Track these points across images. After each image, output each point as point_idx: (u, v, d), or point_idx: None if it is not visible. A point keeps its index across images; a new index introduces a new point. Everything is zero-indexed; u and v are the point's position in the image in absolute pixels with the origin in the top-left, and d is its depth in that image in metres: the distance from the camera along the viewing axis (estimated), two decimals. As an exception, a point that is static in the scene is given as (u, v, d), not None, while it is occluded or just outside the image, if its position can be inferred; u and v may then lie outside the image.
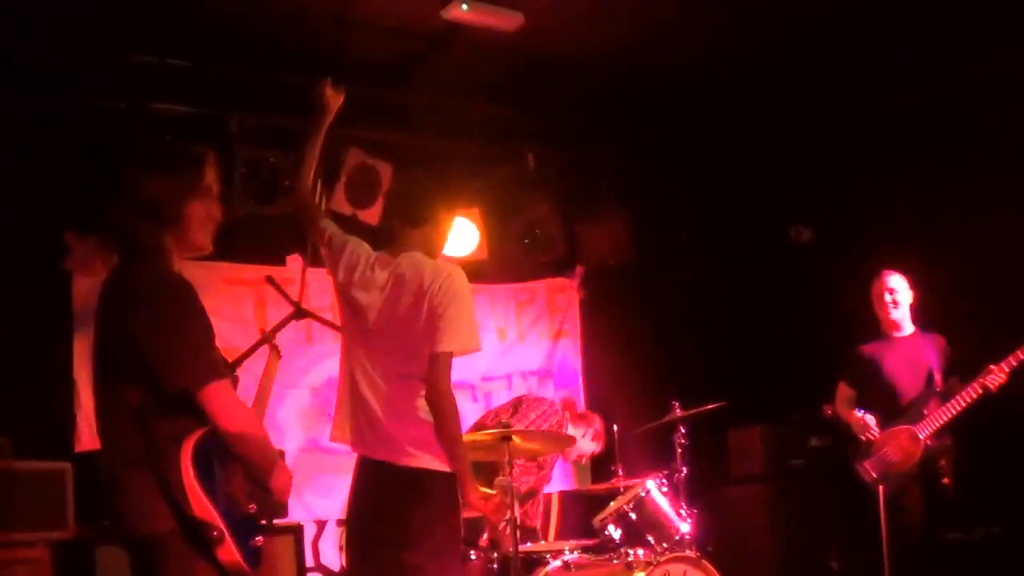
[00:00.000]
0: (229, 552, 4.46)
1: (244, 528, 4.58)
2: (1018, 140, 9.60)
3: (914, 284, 9.03)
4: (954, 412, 8.47)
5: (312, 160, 6.52)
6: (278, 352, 7.27)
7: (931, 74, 9.98)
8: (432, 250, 6.11)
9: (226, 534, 4.44)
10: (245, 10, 8.40)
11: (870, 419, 8.71)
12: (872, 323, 9.09)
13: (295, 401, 9.57)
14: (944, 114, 10.11)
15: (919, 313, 9.04)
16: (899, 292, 8.95)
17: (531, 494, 9.14)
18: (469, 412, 9.98)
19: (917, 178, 10.24)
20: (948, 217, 9.91)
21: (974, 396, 8.41)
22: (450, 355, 5.79)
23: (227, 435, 4.54)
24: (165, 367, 4.42)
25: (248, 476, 4.71)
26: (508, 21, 8.72)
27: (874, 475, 8.62)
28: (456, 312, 5.80)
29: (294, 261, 9.74)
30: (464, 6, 8.38)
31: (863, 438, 8.73)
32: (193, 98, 9.05)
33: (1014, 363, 8.34)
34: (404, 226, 6.15)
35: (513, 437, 7.53)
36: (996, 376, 8.32)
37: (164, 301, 4.50)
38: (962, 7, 8.97)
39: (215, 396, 4.48)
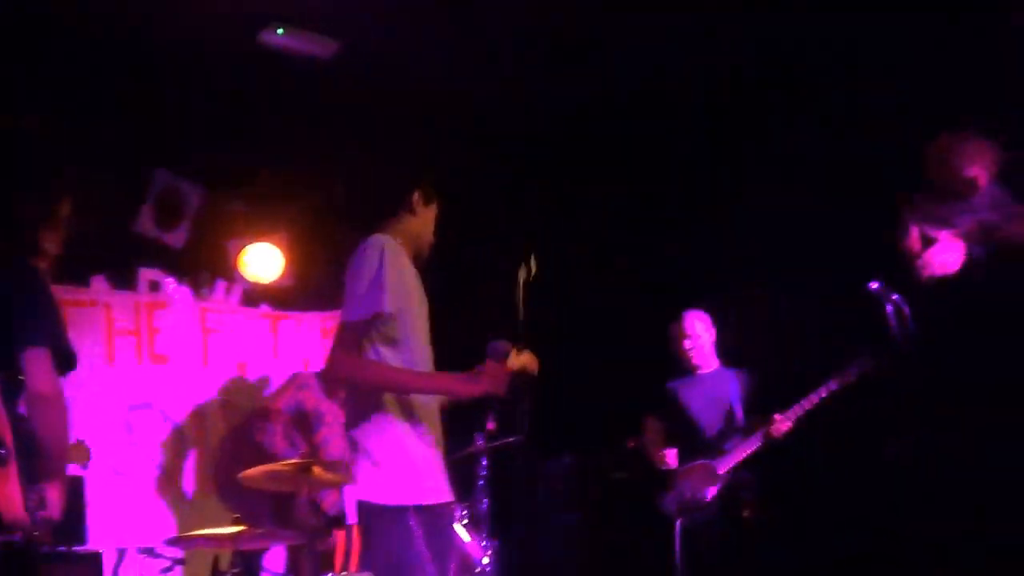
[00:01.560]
0: None
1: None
2: (814, 180, 9.83)
3: (715, 322, 9.18)
4: (748, 451, 8.66)
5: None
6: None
7: (749, 120, 10.20)
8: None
9: None
10: (59, 30, 8.23)
11: (669, 454, 8.82)
12: (677, 358, 9.21)
13: (95, 424, 9.32)
14: (746, 153, 10.30)
15: (724, 347, 9.18)
16: (698, 334, 9.11)
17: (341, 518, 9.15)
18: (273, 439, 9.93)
19: (717, 216, 10.40)
20: (751, 253, 10.07)
21: (761, 442, 8.62)
22: (344, 324, 5.69)
23: (37, 397, 4.75)
24: (26, 324, 4.82)
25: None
26: (323, 48, 8.68)
27: (673, 508, 8.71)
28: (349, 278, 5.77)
29: (98, 282, 9.56)
30: (280, 31, 8.32)
31: (660, 467, 8.84)
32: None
33: (800, 412, 8.54)
34: None
35: (314, 468, 7.46)
36: (780, 425, 8.52)
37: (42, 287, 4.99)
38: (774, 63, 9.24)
39: (42, 360, 4.81)
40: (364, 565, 5.75)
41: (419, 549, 5.52)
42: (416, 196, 6.13)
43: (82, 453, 7.63)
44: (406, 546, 5.51)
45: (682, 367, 9.20)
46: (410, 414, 5.78)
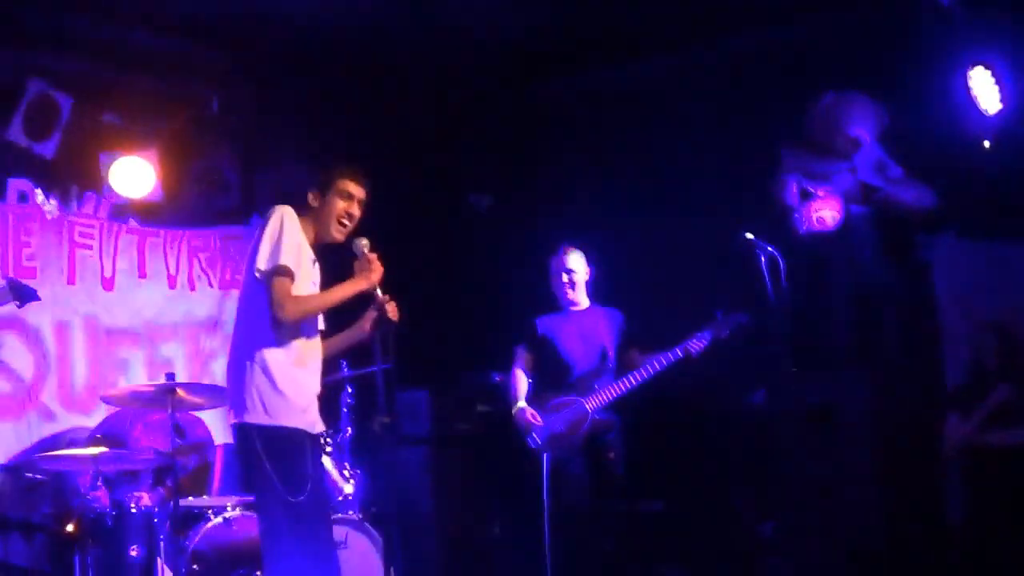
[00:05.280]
0: None
1: None
2: (695, 127, 9.88)
3: (592, 260, 9.16)
4: (617, 392, 8.70)
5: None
6: None
7: (617, 61, 10.19)
8: None
9: None
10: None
11: (531, 414, 8.82)
12: (548, 293, 9.20)
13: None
14: (629, 98, 10.32)
15: (597, 287, 9.18)
16: (576, 271, 9.07)
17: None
18: (136, 359, 9.78)
19: (600, 156, 10.42)
20: (628, 194, 10.10)
21: (631, 384, 8.66)
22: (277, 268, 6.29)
23: None
24: None
25: None
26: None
27: (540, 441, 8.71)
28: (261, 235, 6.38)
29: None
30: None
31: (523, 429, 8.82)
32: None
33: (672, 358, 8.65)
34: None
35: (178, 390, 7.47)
36: (695, 344, 8.63)
37: None
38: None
39: None
40: (250, 486, 6.53)
41: (310, 470, 6.37)
42: (310, 196, 6.65)
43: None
44: (302, 464, 6.32)
45: (556, 302, 9.16)
46: (300, 352, 6.51)
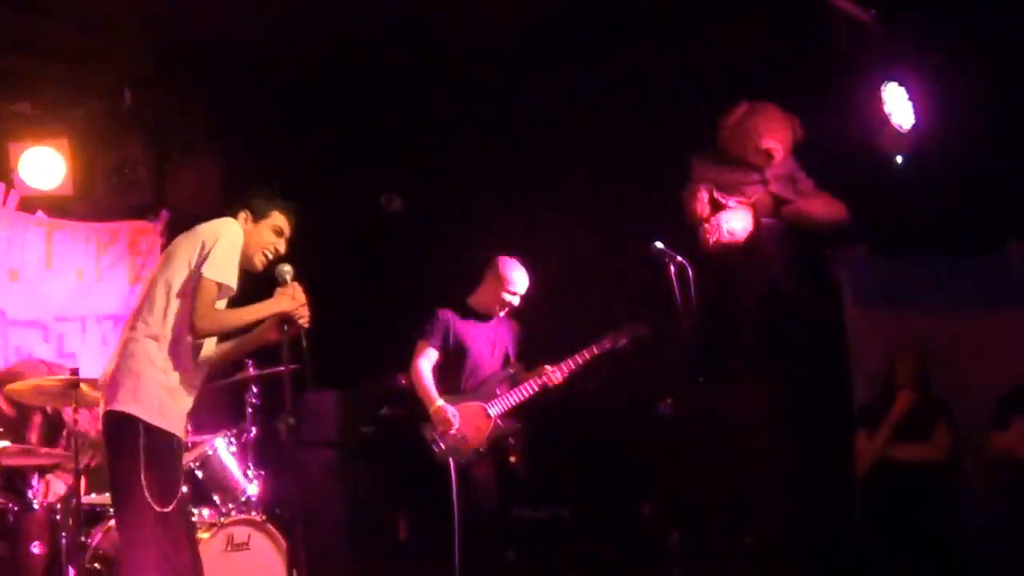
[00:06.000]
0: None
1: None
2: (607, 134, 9.89)
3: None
4: (519, 399, 8.73)
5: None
6: None
7: (529, 68, 10.18)
8: None
9: None
10: None
11: (452, 414, 8.75)
12: (453, 296, 9.14)
13: None
14: (542, 104, 10.31)
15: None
16: (522, 293, 8.94)
17: None
18: (42, 352, 9.67)
19: (513, 162, 10.41)
20: (538, 200, 10.08)
21: (533, 391, 8.70)
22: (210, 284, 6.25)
23: None
24: None
25: None
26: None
27: (444, 447, 8.66)
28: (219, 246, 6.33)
29: None
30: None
31: (440, 429, 8.74)
32: None
33: (572, 367, 8.64)
34: None
35: (81, 385, 7.40)
36: (551, 377, 8.62)
37: None
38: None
39: None
40: (116, 479, 6.28)
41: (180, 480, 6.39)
42: (243, 217, 6.63)
43: None
44: (175, 474, 6.32)
45: (470, 305, 9.07)
46: (194, 369, 6.49)
